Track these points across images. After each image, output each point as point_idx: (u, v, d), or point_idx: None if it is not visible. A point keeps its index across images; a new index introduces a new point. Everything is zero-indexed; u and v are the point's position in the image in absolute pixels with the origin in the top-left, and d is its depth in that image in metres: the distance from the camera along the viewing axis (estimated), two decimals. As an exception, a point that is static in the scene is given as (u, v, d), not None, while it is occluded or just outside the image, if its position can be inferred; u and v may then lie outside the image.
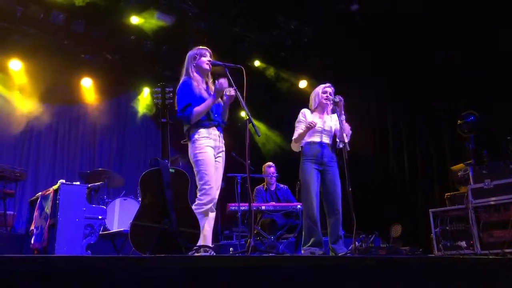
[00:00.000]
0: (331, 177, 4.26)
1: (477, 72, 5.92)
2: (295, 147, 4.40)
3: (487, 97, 5.78)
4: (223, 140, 3.72)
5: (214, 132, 3.61)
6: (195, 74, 3.66)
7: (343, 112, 4.18)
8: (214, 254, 3.37)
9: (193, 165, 3.57)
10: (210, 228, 3.55)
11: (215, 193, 3.58)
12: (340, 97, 4.25)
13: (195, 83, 3.62)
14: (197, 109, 3.52)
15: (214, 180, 3.53)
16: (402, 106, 7.20)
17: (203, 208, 3.41)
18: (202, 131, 3.56)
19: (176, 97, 3.56)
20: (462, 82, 6.17)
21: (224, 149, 3.73)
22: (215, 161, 3.61)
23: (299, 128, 4.36)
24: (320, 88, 4.44)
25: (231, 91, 3.60)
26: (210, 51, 3.77)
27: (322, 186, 4.26)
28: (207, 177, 3.46)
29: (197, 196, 3.46)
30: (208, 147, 3.54)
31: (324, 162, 4.25)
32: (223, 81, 3.51)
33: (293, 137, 4.38)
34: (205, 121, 3.58)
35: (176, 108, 3.54)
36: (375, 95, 7.74)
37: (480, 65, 5.88)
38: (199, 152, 3.50)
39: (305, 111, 4.46)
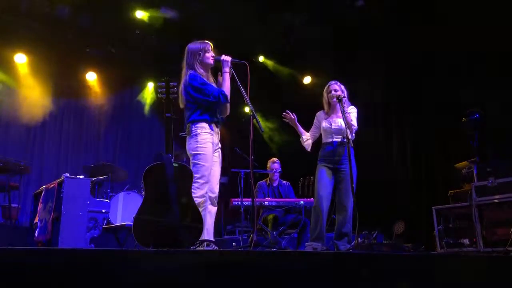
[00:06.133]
0: (343, 175, 4.28)
1: (482, 70, 5.89)
2: (304, 146, 4.48)
3: (491, 94, 5.75)
4: (219, 136, 3.75)
5: (216, 129, 3.65)
6: (201, 70, 3.66)
7: (346, 108, 4.20)
8: (217, 248, 3.38)
9: (190, 157, 3.56)
10: (212, 222, 3.57)
11: (215, 187, 3.62)
12: (342, 93, 4.28)
13: (204, 78, 3.65)
14: (225, 90, 3.59)
15: (210, 176, 3.55)
16: (406, 104, 7.18)
17: (195, 201, 3.35)
18: (206, 126, 3.57)
19: (193, 89, 3.55)
20: (466, 80, 6.14)
21: (220, 146, 3.76)
22: (214, 155, 3.65)
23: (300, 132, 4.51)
24: (325, 89, 4.50)
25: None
26: (211, 44, 3.77)
27: (336, 184, 4.32)
28: (205, 172, 3.48)
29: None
30: (209, 142, 3.55)
31: (337, 161, 4.29)
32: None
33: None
34: (210, 117, 3.60)
35: (206, 98, 3.53)
36: (380, 93, 7.72)
37: (484, 64, 5.85)
38: (200, 147, 3.51)
39: (318, 113, 4.56)
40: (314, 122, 4.54)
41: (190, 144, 3.57)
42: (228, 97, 3.61)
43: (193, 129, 3.56)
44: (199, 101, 3.56)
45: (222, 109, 3.74)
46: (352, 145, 4.03)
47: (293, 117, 4.34)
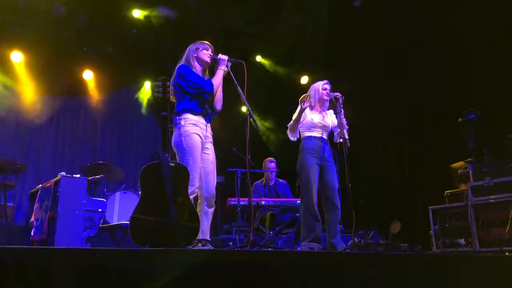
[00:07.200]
0: (329, 172, 4.28)
1: (478, 70, 5.91)
2: (292, 136, 4.40)
3: (488, 95, 5.77)
4: (211, 131, 3.67)
5: (202, 121, 3.57)
6: (195, 63, 3.65)
7: (342, 108, 4.20)
8: (212, 248, 3.37)
9: (176, 151, 3.47)
10: (208, 223, 3.54)
11: (210, 187, 3.55)
12: (339, 93, 4.28)
13: (194, 70, 3.62)
14: (214, 80, 3.56)
15: (198, 170, 3.45)
16: (403, 104, 7.20)
17: None
18: (191, 118, 3.50)
19: (179, 77, 3.52)
20: (463, 80, 6.16)
21: (212, 140, 3.67)
22: (204, 152, 3.57)
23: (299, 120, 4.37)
24: (319, 85, 4.46)
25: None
26: (212, 47, 3.76)
27: (320, 181, 4.27)
28: (192, 167, 3.35)
29: None
30: (195, 134, 3.47)
31: (324, 157, 4.28)
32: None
33: (289, 124, 4.39)
34: (196, 107, 3.55)
35: (192, 85, 3.50)
36: (377, 93, 7.73)
37: (481, 63, 5.87)
38: (184, 140, 3.43)
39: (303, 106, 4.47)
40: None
41: (174, 137, 3.48)
42: (215, 88, 3.57)
43: (177, 120, 3.51)
44: (185, 88, 3.51)
45: (210, 101, 3.68)
46: (349, 144, 4.03)
47: (307, 105, 4.24)
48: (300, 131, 4.43)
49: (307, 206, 4.17)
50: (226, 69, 3.66)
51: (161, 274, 1.80)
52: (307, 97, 4.29)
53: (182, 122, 3.48)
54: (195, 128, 3.49)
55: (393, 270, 2.21)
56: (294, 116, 4.34)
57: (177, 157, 3.47)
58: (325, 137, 4.36)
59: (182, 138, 3.43)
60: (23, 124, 7.91)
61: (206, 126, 3.60)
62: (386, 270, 2.19)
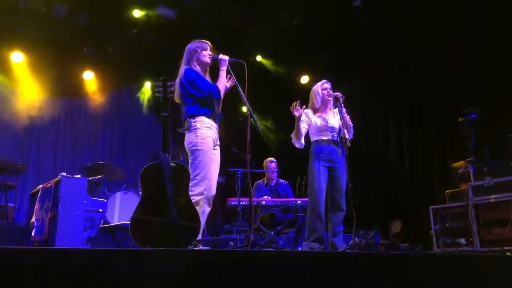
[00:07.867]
0: (339, 174, 4.24)
1: (478, 70, 5.91)
2: (296, 143, 4.37)
3: (488, 94, 5.77)
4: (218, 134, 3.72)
5: (214, 124, 3.62)
6: (197, 66, 3.66)
7: (343, 107, 4.18)
8: (203, 248, 3.38)
9: (189, 153, 3.52)
10: (204, 222, 3.56)
11: (213, 187, 3.58)
12: (339, 93, 4.25)
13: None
14: (220, 85, 3.57)
15: (208, 173, 3.50)
16: (404, 103, 7.19)
17: (193, 199, 3.29)
18: (205, 121, 3.54)
19: (187, 82, 3.53)
20: (463, 79, 6.15)
21: (219, 143, 3.71)
22: (213, 153, 3.60)
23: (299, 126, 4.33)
24: (318, 86, 4.42)
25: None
26: (211, 45, 3.76)
27: (329, 183, 4.26)
28: (203, 168, 3.43)
29: (189, 186, 3.31)
30: (210, 138, 3.52)
31: (333, 159, 4.24)
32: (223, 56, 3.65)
33: (291, 135, 4.37)
34: (209, 111, 3.58)
35: (200, 93, 3.52)
36: (377, 93, 7.73)
37: (481, 63, 5.87)
38: (200, 141, 3.47)
39: (307, 111, 4.43)
40: (303, 120, 4.33)
41: (188, 139, 3.52)
42: (222, 93, 3.60)
43: (192, 123, 3.52)
44: (194, 94, 3.54)
45: (217, 105, 3.73)
46: (350, 144, 4.02)
47: (301, 112, 4.22)
48: (309, 136, 4.43)
49: (313, 209, 4.17)
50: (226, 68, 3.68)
51: (161, 274, 1.80)
52: (297, 104, 4.21)
53: (198, 125, 3.51)
54: (210, 131, 3.54)
55: (393, 270, 2.21)
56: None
57: (189, 158, 3.51)
58: (331, 138, 4.30)
59: (198, 140, 3.48)
60: (23, 124, 7.92)
61: (217, 129, 3.66)
62: (386, 270, 2.19)
